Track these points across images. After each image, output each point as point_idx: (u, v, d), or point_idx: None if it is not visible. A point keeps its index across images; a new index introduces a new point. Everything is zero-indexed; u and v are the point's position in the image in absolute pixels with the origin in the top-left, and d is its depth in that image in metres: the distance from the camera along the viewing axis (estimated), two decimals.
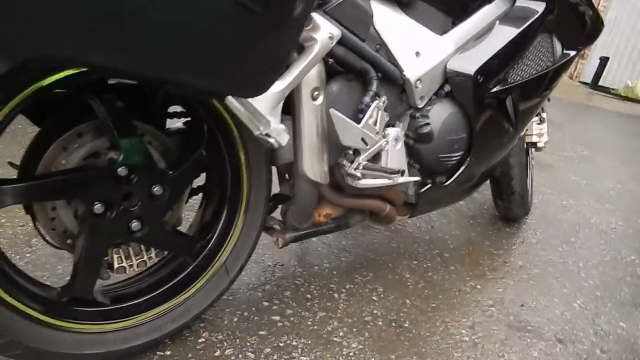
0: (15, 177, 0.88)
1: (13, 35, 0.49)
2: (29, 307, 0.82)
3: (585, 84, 9.50)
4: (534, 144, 1.88)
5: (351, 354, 1.13)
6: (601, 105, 6.93)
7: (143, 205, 0.91)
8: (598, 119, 5.46)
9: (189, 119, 1.11)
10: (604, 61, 8.65)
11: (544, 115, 1.87)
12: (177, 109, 1.09)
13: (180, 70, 0.61)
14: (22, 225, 1.39)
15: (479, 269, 1.63)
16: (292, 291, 1.32)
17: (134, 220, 0.92)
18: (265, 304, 1.25)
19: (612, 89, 9.41)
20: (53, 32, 0.51)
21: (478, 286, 1.52)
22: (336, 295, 1.34)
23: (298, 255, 1.50)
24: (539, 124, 1.86)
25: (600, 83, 9.19)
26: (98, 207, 0.86)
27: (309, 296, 1.31)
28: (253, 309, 1.22)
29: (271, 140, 0.88)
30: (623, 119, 6.11)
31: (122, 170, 0.87)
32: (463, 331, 1.28)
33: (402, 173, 1.17)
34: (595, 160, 3.46)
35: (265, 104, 0.85)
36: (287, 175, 1.19)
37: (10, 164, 0.89)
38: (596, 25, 1.63)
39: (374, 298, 1.36)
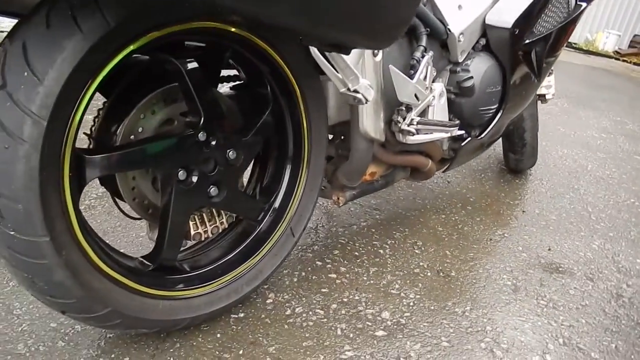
0: (90, 147, 0.85)
1: None
2: (125, 278, 0.82)
3: None
4: (542, 96, 1.93)
5: (411, 303, 1.18)
6: (569, 59, 7.11)
7: (220, 170, 0.91)
8: (570, 72, 5.63)
9: (237, 82, 1.09)
10: None
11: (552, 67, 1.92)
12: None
13: (333, 24, 0.60)
14: None
15: (502, 218, 1.71)
16: (339, 250, 1.35)
17: (211, 185, 0.91)
18: (319, 263, 1.28)
19: (574, 43, 9.65)
20: None
21: (505, 234, 1.59)
22: (381, 251, 1.38)
23: (335, 216, 1.53)
24: (548, 76, 1.91)
25: None
26: (181, 174, 0.85)
27: (356, 253, 1.35)
28: (308, 268, 1.25)
29: (358, 95, 0.88)
30: (591, 71, 6.33)
31: (201, 135, 0.86)
32: (504, 276, 1.35)
33: (463, 138, 1.20)
34: (577, 112, 3.60)
35: (351, 60, 0.85)
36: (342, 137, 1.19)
37: (85, 134, 0.86)
38: None
39: (417, 251, 1.41)
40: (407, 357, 1.00)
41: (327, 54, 0.83)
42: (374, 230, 1.48)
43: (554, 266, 1.45)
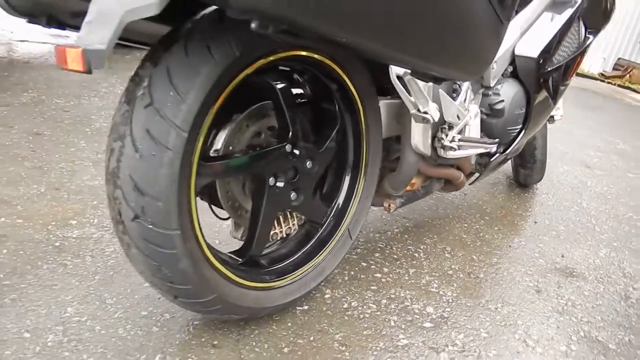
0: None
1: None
2: (225, 269, 0.94)
3: None
4: (552, 117, 2.11)
5: (450, 300, 1.32)
6: None
7: (300, 178, 1.05)
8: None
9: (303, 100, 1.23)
10: None
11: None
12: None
13: (442, 64, 0.75)
14: None
15: (516, 228, 1.87)
16: (379, 253, 1.49)
17: (292, 191, 1.05)
18: (364, 264, 1.41)
19: None
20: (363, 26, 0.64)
21: (522, 242, 1.75)
22: (416, 255, 1.52)
23: (370, 223, 1.67)
24: None
25: None
26: (271, 180, 0.99)
27: (395, 256, 1.49)
28: (356, 269, 1.38)
29: (427, 116, 1.04)
30: (581, 92, 6.61)
31: (288, 147, 1.00)
32: (526, 279, 1.50)
33: (493, 153, 1.35)
34: (573, 131, 3.80)
35: (422, 84, 1.00)
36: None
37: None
38: (612, 6, 1.86)
39: (447, 255, 1.55)
40: (454, 345, 1.14)
41: (404, 79, 0.97)
42: (406, 236, 1.63)
43: (569, 271, 1.60)
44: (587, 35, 1.80)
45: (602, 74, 9.72)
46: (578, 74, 9.56)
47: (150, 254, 0.83)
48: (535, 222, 1.95)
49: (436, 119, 1.06)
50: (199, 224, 0.89)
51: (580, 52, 1.74)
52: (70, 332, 1.00)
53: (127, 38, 0.94)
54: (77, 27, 0.87)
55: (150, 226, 0.81)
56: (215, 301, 0.93)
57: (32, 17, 0.93)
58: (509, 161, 2.23)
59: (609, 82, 9.33)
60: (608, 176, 2.78)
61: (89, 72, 0.69)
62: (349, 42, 0.70)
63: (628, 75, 9.70)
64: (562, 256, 1.70)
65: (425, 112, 1.03)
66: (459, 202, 2.00)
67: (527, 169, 2.16)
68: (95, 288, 1.15)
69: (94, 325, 1.04)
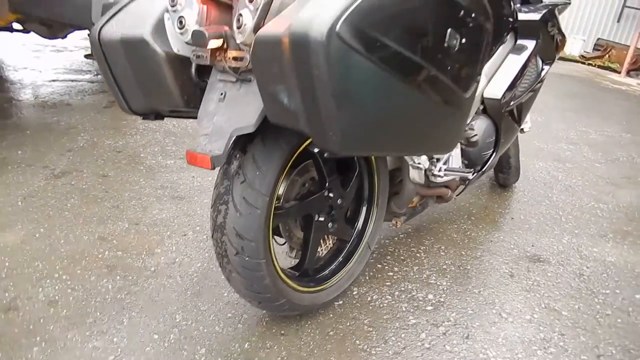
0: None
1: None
2: (291, 281, 1.40)
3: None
4: (521, 129, 2.56)
5: (445, 288, 1.78)
6: None
7: (334, 212, 1.50)
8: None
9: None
10: None
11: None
12: None
13: (420, 148, 1.20)
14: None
15: (497, 224, 2.32)
16: (390, 255, 1.95)
17: (330, 222, 1.50)
18: (379, 266, 1.87)
19: None
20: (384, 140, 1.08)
21: (501, 236, 2.21)
22: (418, 255, 1.98)
23: (382, 232, 2.11)
24: None
25: None
26: (317, 216, 1.44)
27: (402, 257, 1.95)
28: (374, 269, 1.84)
29: (420, 165, 1.48)
30: (559, 79, 7.03)
31: (326, 193, 1.45)
32: (503, 266, 1.96)
33: (471, 175, 1.80)
34: (549, 125, 4.26)
35: None
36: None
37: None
38: (563, 44, 2.30)
39: (442, 253, 2.01)
40: (449, 321, 1.60)
41: None
42: (409, 240, 2.08)
43: (536, 257, 2.07)
44: (543, 67, 2.24)
45: (582, 56, 10.13)
46: (560, 59, 9.98)
47: (246, 276, 1.28)
48: (512, 218, 2.41)
49: (426, 166, 1.51)
50: (274, 253, 1.34)
51: (539, 81, 2.18)
52: (184, 331, 1.46)
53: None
54: (174, 114, 1.32)
55: (247, 258, 1.26)
56: (285, 303, 1.38)
57: (145, 115, 1.38)
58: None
59: (589, 64, 9.75)
60: (577, 168, 3.24)
61: (213, 169, 1.14)
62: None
63: (607, 55, 10.13)
64: (532, 245, 2.16)
65: (419, 163, 1.48)
66: (450, 207, 2.45)
67: (504, 174, 2.62)
68: (191, 300, 1.60)
69: (197, 326, 1.49)
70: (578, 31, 10.65)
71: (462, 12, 1.04)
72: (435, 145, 1.24)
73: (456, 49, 1.03)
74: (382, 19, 0.86)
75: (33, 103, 3.28)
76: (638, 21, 9.94)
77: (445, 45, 1.01)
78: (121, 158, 2.58)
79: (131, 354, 1.36)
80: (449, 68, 1.05)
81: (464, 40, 1.04)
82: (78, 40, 5.19)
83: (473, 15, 1.07)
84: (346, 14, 0.80)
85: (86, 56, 4.58)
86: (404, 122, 1.05)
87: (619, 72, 8.96)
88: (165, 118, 1.42)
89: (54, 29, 3.25)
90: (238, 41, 1.06)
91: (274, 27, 0.91)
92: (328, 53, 0.80)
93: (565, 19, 10.71)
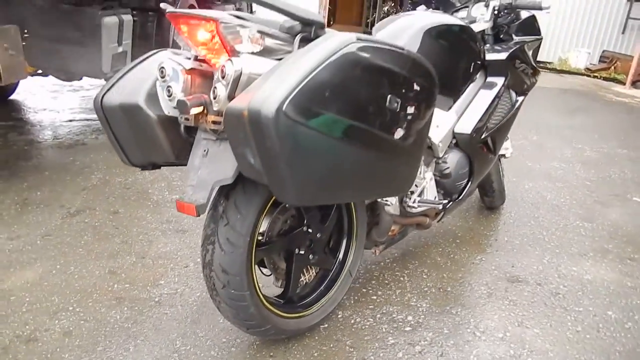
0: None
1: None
2: (275, 309, 1.56)
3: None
4: (502, 155, 2.71)
5: (424, 310, 1.92)
6: (544, 83, 7.88)
7: (314, 245, 1.67)
8: (543, 99, 6.39)
9: None
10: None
11: (508, 135, 2.70)
12: None
13: (372, 194, 1.37)
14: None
15: (480, 247, 2.46)
16: (375, 280, 2.10)
17: (310, 254, 1.67)
18: (364, 290, 2.02)
19: (549, 63, 10.51)
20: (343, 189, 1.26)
21: (483, 258, 2.35)
22: (402, 279, 2.13)
23: (369, 258, 2.27)
24: (505, 141, 2.68)
25: (538, 59, 10.24)
26: (297, 250, 1.61)
27: (386, 282, 2.10)
28: (359, 294, 1.99)
29: (389, 203, 1.65)
30: (562, 94, 7.14)
31: (306, 229, 1.62)
32: (482, 287, 2.10)
33: (446, 204, 1.96)
34: (544, 144, 4.38)
35: None
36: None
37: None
38: (535, 75, 2.46)
39: (424, 277, 2.16)
40: (425, 340, 1.75)
41: None
42: (395, 264, 2.24)
43: (515, 277, 2.20)
44: (517, 98, 2.40)
45: (588, 69, 10.21)
46: (564, 72, 10.05)
47: (232, 306, 1.45)
48: (496, 240, 2.55)
49: (393, 203, 1.67)
50: (258, 284, 1.51)
51: (513, 113, 2.34)
52: (183, 356, 1.63)
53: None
54: (168, 165, 1.51)
55: (233, 291, 1.43)
56: (271, 329, 1.55)
57: (143, 167, 1.57)
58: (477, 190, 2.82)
59: (595, 76, 9.82)
60: (567, 187, 3.36)
61: (198, 216, 1.33)
62: None
63: (613, 67, 10.18)
64: (512, 266, 2.29)
65: (386, 200, 1.65)
66: (437, 230, 2.60)
67: (489, 197, 2.76)
68: (190, 327, 1.77)
69: (195, 350, 1.66)
70: (583, 44, 10.75)
71: (401, 79, 1.22)
72: (387, 190, 1.41)
73: (397, 110, 1.21)
74: (322, 96, 1.05)
75: (51, 144, 3.54)
76: None
77: (386, 108, 1.19)
78: (130, 194, 2.80)
79: None
80: (393, 127, 1.23)
81: (405, 102, 1.22)
82: (93, 80, 5.51)
83: (414, 79, 1.25)
84: (291, 95, 0.99)
85: None
86: (352, 175, 1.23)
87: (625, 84, 9.01)
88: (161, 167, 1.62)
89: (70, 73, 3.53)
90: (215, 109, 1.26)
91: (239, 101, 1.10)
92: (277, 128, 0.99)
93: (570, 33, 10.83)
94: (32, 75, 3.97)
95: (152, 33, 3.62)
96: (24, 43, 2.41)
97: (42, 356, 1.59)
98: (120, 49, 2.97)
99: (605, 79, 9.60)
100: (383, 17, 16.36)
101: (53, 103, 4.67)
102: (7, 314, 1.77)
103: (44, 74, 3.91)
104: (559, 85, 8.00)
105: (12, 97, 4.62)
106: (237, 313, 1.48)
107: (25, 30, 2.56)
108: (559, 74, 9.67)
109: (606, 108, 6.58)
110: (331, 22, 13.18)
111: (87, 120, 4.18)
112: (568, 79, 9.08)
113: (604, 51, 10.76)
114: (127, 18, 3.00)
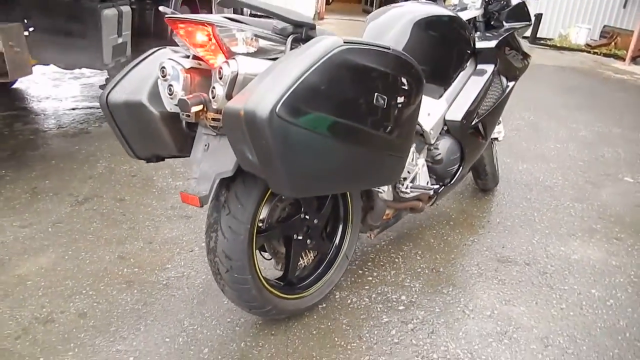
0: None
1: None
2: (274, 289, 1.67)
3: (525, 37, 10.62)
4: (495, 139, 2.78)
5: (417, 289, 2.03)
6: (542, 61, 7.90)
7: (311, 230, 1.77)
8: (540, 77, 6.42)
9: None
10: (538, 17, 9.64)
11: (500, 118, 2.77)
12: None
13: (364, 185, 1.46)
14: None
15: (473, 228, 2.56)
16: (370, 262, 2.21)
17: (308, 239, 1.77)
18: (360, 272, 2.13)
19: (549, 39, 10.45)
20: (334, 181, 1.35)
21: (475, 240, 2.45)
22: (396, 260, 2.23)
23: (366, 240, 2.38)
24: (497, 125, 2.76)
25: (538, 36, 10.21)
26: (295, 235, 1.71)
27: (381, 263, 2.20)
28: (355, 275, 2.10)
29: (381, 190, 1.74)
30: (560, 72, 7.15)
31: (303, 215, 1.72)
32: (473, 268, 2.21)
33: (438, 189, 2.05)
34: (539, 124, 4.44)
35: None
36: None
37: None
38: (525, 61, 2.52)
39: (418, 258, 2.26)
40: (417, 318, 1.86)
41: None
42: (390, 246, 2.34)
43: (505, 258, 2.30)
44: (508, 84, 2.46)
45: (588, 45, 10.16)
46: (564, 48, 10.00)
47: (236, 289, 1.56)
48: (489, 222, 2.64)
49: (386, 190, 1.77)
50: (259, 268, 1.62)
51: (503, 98, 2.41)
52: (191, 334, 1.75)
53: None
54: (171, 157, 1.60)
55: (236, 275, 1.54)
56: (272, 309, 1.66)
57: (148, 159, 1.66)
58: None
59: (595, 53, 9.78)
60: (560, 168, 3.44)
61: (201, 206, 1.42)
62: None
63: (614, 43, 10.14)
64: (503, 247, 2.39)
65: (382, 189, 1.74)
66: (431, 212, 2.70)
67: (482, 179, 2.85)
68: (196, 308, 1.89)
69: (202, 330, 1.78)
70: (584, 20, 10.67)
71: (386, 78, 1.29)
72: (377, 181, 1.51)
73: (384, 106, 1.29)
74: (312, 97, 1.13)
75: (56, 133, 3.62)
76: None
77: (373, 105, 1.27)
78: (136, 182, 2.89)
79: (147, 355, 1.65)
80: (380, 123, 1.32)
81: (391, 99, 1.30)
82: None
83: (398, 77, 1.33)
84: (284, 98, 1.07)
85: (101, 87, 4.93)
86: (343, 168, 1.32)
87: (624, 60, 8.99)
88: (165, 159, 1.71)
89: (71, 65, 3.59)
90: (214, 107, 1.34)
91: (236, 102, 1.18)
92: (271, 128, 1.08)
93: (570, 9, 10.74)
94: (33, 65, 4.04)
95: (150, 22, 3.67)
96: (26, 36, 2.47)
97: (60, 336, 1.71)
98: (120, 40, 3.03)
99: (605, 55, 9.58)
100: None
101: (55, 91, 4.73)
102: (24, 297, 1.89)
103: (46, 63, 3.97)
104: (558, 63, 8.00)
105: (14, 86, 4.68)
106: (240, 295, 1.59)
107: (29, 26, 2.62)
108: (559, 51, 9.64)
109: (604, 86, 6.61)
110: (330, 1, 13.07)
111: (90, 108, 4.25)
112: (567, 56, 9.06)
113: (604, 26, 10.69)
114: (126, 9, 3.05)
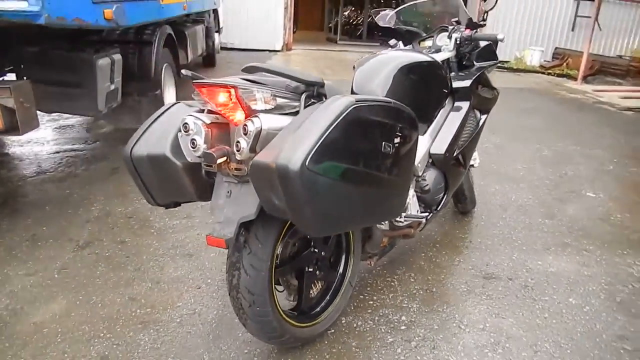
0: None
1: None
2: (290, 319, 1.81)
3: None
4: (472, 165, 3.03)
5: (415, 310, 2.21)
6: (502, 84, 8.33)
7: (320, 262, 1.93)
8: (502, 99, 6.74)
9: None
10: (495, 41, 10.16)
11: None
12: None
13: (375, 221, 1.64)
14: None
15: (458, 249, 2.77)
16: (369, 287, 2.38)
17: (317, 270, 1.93)
18: (361, 297, 2.30)
19: (506, 62, 11.05)
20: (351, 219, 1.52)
21: (461, 259, 2.66)
22: (393, 284, 2.41)
23: (362, 267, 2.54)
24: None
25: None
26: (307, 268, 1.87)
27: (379, 287, 2.38)
28: (357, 300, 2.26)
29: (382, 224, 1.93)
30: (518, 93, 7.61)
31: (313, 249, 1.88)
32: (462, 285, 2.40)
33: (427, 216, 2.25)
34: (506, 147, 4.76)
35: None
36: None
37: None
38: (495, 95, 2.80)
39: (412, 280, 2.45)
40: (418, 336, 2.03)
41: None
42: (385, 271, 2.52)
43: (489, 274, 2.51)
44: (481, 117, 2.72)
45: (542, 66, 10.82)
46: (521, 70, 10.58)
47: (258, 321, 1.70)
48: (471, 242, 2.86)
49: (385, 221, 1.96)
50: (278, 300, 1.76)
51: (478, 130, 2.66)
52: None
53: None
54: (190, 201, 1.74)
55: (258, 308, 1.67)
56: (289, 338, 1.80)
57: (167, 205, 1.80)
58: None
59: (549, 73, 10.42)
60: (529, 187, 3.73)
61: (227, 248, 1.57)
62: None
63: (565, 64, 10.83)
64: (487, 265, 2.61)
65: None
66: (419, 237, 2.89)
67: (462, 203, 3.08)
68: (213, 342, 2.00)
69: None
70: (537, 43, 11.39)
71: (391, 128, 1.50)
72: (385, 216, 1.71)
73: (390, 152, 1.49)
74: (334, 151, 1.32)
75: (44, 178, 3.66)
76: (588, 29, 10.67)
77: (381, 152, 1.47)
78: (133, 223, 2.98)
79: None
80: (387, 166, 1.52)
81: (395, 145, 1.50)
82: None
83: (400, 125, 1.53)
84: (312, 152, 1.26)
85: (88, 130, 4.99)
86: (358, 208, 1.51)
87: (576, 79, 9.62)
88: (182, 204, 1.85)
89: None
90: (237, 158, 1.50)
91: (265, 156, 1.35)
92: (302, 179, 1.25)
93: (524, 32, 11.44)
94: None
95: (134, 66, 3.80)
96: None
97: None
98: (112, 87, 3.16)
99: (558, 75, 10.22)
100: (344, 22, 16.83)
101: (35, 135, 4.75)
102: (44, 345, 1.96)
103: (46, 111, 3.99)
104: (516, 85, 8.51)
105: None
106: (261, 327, 1.72)
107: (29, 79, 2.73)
108: (516, 73, 10.22)
109: (560, 106, 7.08)
110: (295, 30, 13.46)
111: (74, 151, 4.31)
112: (524, 77, 9.63)
113: (556, 48, 11.44)
114: (117, 57, 3.19)
